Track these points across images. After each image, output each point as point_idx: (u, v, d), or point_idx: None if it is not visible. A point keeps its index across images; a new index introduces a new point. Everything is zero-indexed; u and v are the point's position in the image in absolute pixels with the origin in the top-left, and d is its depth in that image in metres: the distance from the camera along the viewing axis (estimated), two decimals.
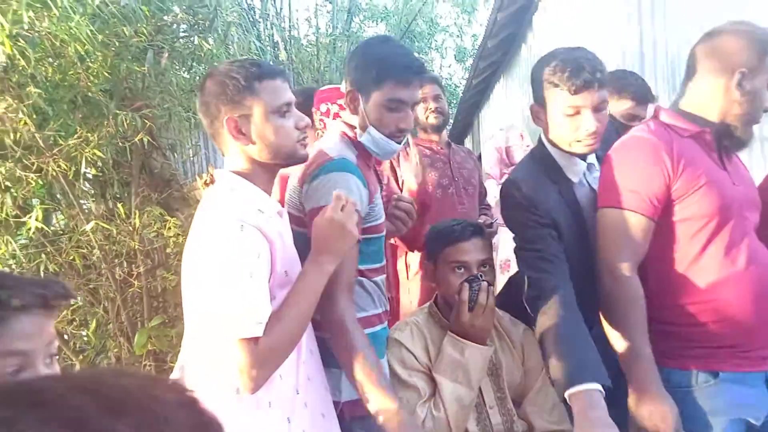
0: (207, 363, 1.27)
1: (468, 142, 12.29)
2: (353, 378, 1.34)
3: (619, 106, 2.32)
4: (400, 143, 1.55)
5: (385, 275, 1.69)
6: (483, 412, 1.63)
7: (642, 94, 2.36)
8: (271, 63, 1.40)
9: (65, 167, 2.95)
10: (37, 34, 2.85)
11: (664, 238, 1.51)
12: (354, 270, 1.48)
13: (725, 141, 1.54)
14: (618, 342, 1.49)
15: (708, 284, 1.48)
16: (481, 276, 1.62)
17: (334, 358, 1.42)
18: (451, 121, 10.98)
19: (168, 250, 3.34)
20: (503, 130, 3.46)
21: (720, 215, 1.47)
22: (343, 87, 1.60)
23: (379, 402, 1.30)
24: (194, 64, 4.20)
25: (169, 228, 3.23)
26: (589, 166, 1.72)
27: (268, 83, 1.30)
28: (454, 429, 1.56)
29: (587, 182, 1.71)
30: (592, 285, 1.56)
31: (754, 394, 1.47)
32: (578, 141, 1.59)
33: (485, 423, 1.62)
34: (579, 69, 1.53)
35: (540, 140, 1.73)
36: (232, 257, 1.17)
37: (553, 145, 1.67)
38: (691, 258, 1.50)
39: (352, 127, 1.59)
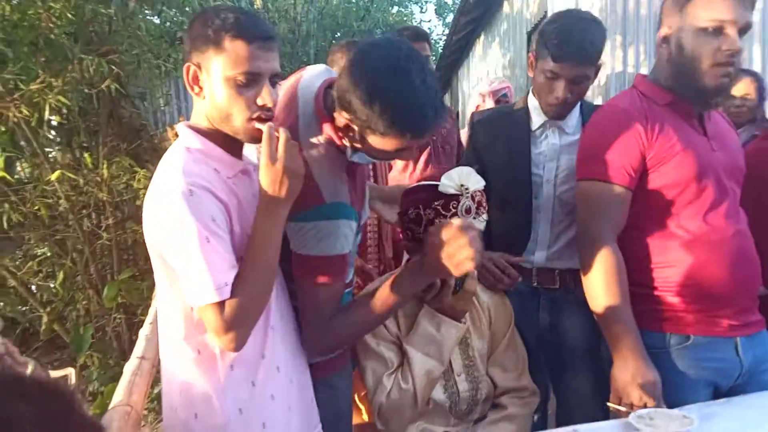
0: (170, 326, 1.25)
1: (446, 100, 12.18)
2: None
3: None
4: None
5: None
6: (451, 379, 1.63)
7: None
8: (264, 23, 1.25)
9: (27, 113, 2.81)
10: None
11: (640, 205, 1.51)
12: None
13: (693, 103, 1.51)
14: (599, 310, 1.49)
15: (682, 248, 1.49)
16: None
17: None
18: None
19: (138, 203, 3.25)
20: (492, 80, 3.34)
21: (696, 182, 1.47)
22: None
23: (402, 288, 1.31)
24: (164, 8, 3.99)
25: (139, 180, 3.13)
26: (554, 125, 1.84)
27: (238, 44, 1.14)
28: (420, 401, 1.55)
29: (549, 136, 1.83)
30: (522, 221, 1.83)
31: (722, 359, 1.50)
32: (548, 104, 1.75)
33: (453, 390, 1.62)
34: (568, 41, 1.63)
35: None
36: (186, 226, 1.11)
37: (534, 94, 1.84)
38: (666, 224, 1.51)
39: (339, 135, 1.33)
